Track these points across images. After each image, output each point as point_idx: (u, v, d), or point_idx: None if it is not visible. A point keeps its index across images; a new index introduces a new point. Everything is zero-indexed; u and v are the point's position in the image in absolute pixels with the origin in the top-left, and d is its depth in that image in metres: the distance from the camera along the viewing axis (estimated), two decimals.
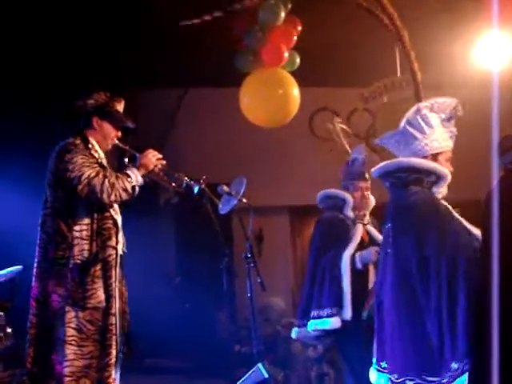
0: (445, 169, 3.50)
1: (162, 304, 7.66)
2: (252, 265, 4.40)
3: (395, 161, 3.57)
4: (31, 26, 6.46)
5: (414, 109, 3.59)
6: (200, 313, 7.98)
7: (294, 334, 4.78)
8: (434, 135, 3.53)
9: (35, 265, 3.92)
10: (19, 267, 5.35)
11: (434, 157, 3.51)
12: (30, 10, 6.31)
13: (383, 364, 3.44)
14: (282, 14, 6.65)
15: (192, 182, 4.20)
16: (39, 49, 6.54)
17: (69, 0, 6.33)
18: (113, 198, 3.85)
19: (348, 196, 4.72)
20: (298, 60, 6.96)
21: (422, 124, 3.53)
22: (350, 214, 4.74)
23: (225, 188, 4.38)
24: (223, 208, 4.41)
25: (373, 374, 3.55)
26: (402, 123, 3.56)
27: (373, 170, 3.71)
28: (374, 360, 3.55)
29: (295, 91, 6.84)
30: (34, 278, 3.91)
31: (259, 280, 4.37)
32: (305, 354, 7.25)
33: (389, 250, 3.48)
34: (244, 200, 4.39)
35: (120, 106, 4.13)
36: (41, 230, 3.93)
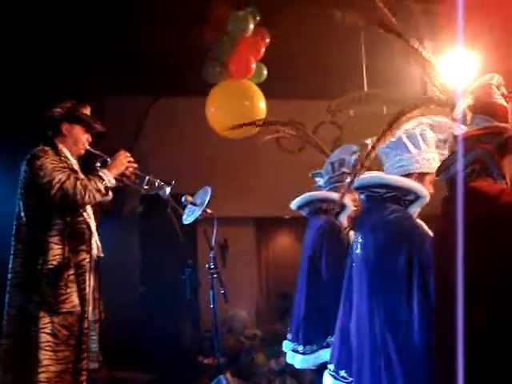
0: (426, 190, 3.36)
1: (126, 314, 7.60)
2: (215, 275, 4.37)
3: (376, 176, 3.52)
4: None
5: (415, 122, 3.49)
6: (163, 323, 7.93)
7: (299, 363, 4.29)
8: (428, 154, 3.41)
9: (10, 275, 3.92)
10: None
11: (421, 176, 3.38)
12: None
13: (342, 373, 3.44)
14: (251, 26, 6.68)
15: (163, 184, 4.22)
16: (5, 57, 6.46)
17: (40, 5, 6.28)
18: (87, 199, 3.89)
19: (349, 201, 4.41)
20: (265, 72, 7.00)
21: (419, 139, 3.40)
22: (344, 221, 4.48)
23: (189, 198, 4.35)
24: (187, 218, 4.39)
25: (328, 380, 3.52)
26: (400, 132, 3.45)
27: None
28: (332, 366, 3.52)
29: (261, 103, 6.87)
30: (8, 288, 3.91)
31: (222, 291, 4.34)
32: (267, 365, 7.26)
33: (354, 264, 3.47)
34: (208, 210, 4.37)
35: (87, 111, 4.19)
36: (15, 240, 3.95)
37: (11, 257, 3.94)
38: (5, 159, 5.99)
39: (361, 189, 3.48)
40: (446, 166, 3.00)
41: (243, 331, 8.24)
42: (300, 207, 4.66)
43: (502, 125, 2.89)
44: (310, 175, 4.89)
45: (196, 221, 4.44)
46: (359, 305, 3.36)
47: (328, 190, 4.60)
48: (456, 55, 5.16)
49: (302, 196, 4.64)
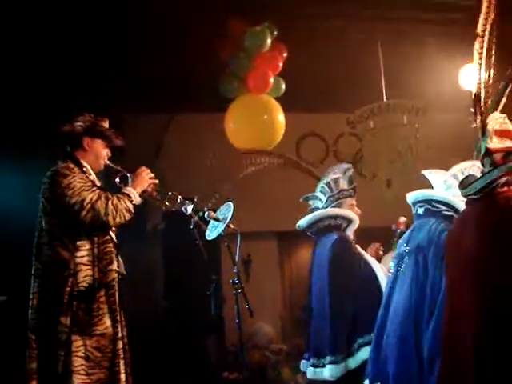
0: None
1: (150, 329, 7.60)
2: (240, 291, 4.36)
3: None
4: (17, 50, 6.44)
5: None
6: (188, 339, 7.92)
7: (327, 373, 4.36)
8: None
9: (31, 296, 3.79)
10: (3, 298, 5.27)
11: None
12: (16, 34, 6.31)
13: None
14: (268, 41, 6.71)
15: (186, 201, 4.18)
16: (24, 73, 6.52)
17: (56, 23, 6.34)
18: (118, 219, 3.80)
19: (354, 215, 4.69)
20: (283, 86, 7.01)
21: None
22: (351, 235, 4.71)
23: (212, 214, 4.35)
24: (210, 234, 4.39)
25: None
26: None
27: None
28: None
29: (280, 117, 6.88)
30: (30, 310, 3.78)
31: (247, 306, 4.33)
32: (294, 380, 7.22)
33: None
34: (231, 226, 4.37)
35: (106, 124, 4.10)
36: (36, 259, 3.82)
37: (32, 277, 3.81)
38: (23, 170, 5.98)
39: (422, 202, 3.86)
40: (468, 183, 3.25)
41: (268, 346, 8.20)
42: (308, 226, 4.75)
43: None
44: (302, 200, 4.98)
45: (219, 236, 4.43)
46: None
47: (332, 207, 4.78)
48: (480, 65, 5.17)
49: (314, 214, 4.76)
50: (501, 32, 4.12)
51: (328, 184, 4.77)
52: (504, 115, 3.38)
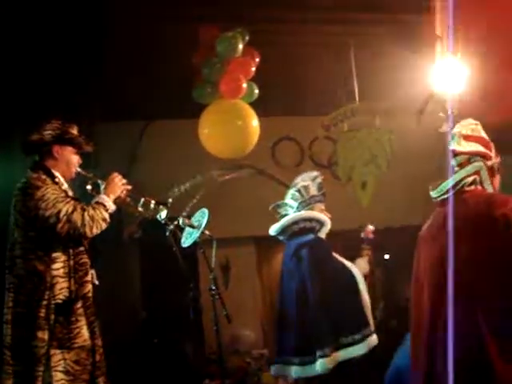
0: None
1: (128, 339, 7.55)
2: (217, 297, 4.35)
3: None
4: None
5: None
6: (168, 347, 7.87)
7: (318, 367, 4.41)
8: None
9: (5, 311, 3.73)
10: None
11: None
12: None
13: None
14: (240, 46, 6.70)
15: (160, 206, 4.13)
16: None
17: (25, 31, 6.28)
18: (94, 230, 3.76)
19: (327, 218, 4.79)
20: (256, 91, 7.00)
21: None
22: (323, 237, 4.80)
23: (186, 221, 4.34)
24: (186, 241, 4.38)
25: None
26: None
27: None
28: None
29: (254, 122, 6.87)
30: (4, 325, 3.72)
31: (225, 312, 4.32)
32: None
33: None
34: (207, 232, 4.36)
35: (75, 131, 4.01)
36: (9, 273, 3.76)
37: (5, 291, 3.75)
38: None
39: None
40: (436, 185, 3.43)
41: (250, 351, 8.17)
42: (282, 230, 4.83)
43: (490, 152, 3.38)
44: (271, 209, 5.00)
45: (195, 243, 4.42)
46: None
47: None
48: (448, 64, 5.23)
49: (288, 217, 4.81)
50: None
51: (299, 191, 4.86)
52: (477, 122, 3.49)
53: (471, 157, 3.34)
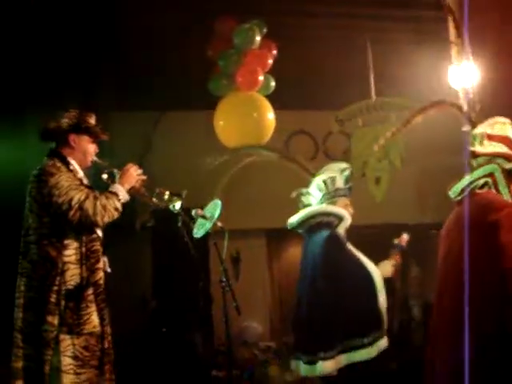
0: None
1: (138, 328, 7.58)
2: (227, 288, 4.36)
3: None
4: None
5: None
6: (177, 337, 7.90)
7: (320, 369, 4.36)
8: None
9: (17, 295, 3.78)
10: None
11: None
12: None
13: None
14: (257, 38, 6.69)
15: (174, 198, 4.15)
16: (11, 71, 6.47)
17: (46, 21, 6.31)
18: (106, 219, 3.80)
19: (346, 213, 4.68)
20: (272, 84, 6.99)
21: None
22: (342, 232, 4.67)
23: (199, 211, 4.34)
24: (198, 232, 4.38)
25: None
26: None
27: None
28: None
29: (270, 115, 6.87)
30: (16, 309, 3.77)
31: (234, 304, 4.33)
32: (282, 377, 7.22)
33: None
34: (219, 223, 4.36)
35: (93, 120, 4.06)
36: (23, 258, 3.81)
37: (18, 276, 3.80)
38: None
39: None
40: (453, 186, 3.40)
41: (257, 344, 8.20)
42: (299, 223, 4.74)
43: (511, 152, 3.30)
44: (294, 195, 4.93)
45: (207, 234, 4.42)
46: None
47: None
48: (464, 64, 5.21)
49: (306, 211, 4.72)
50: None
51: (325, 181, 4.75)
52: (506, 120, 3.43)
53: (492, 158, 3.30)
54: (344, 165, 4.91)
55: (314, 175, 5.03)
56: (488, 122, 3.44)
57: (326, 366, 4.28)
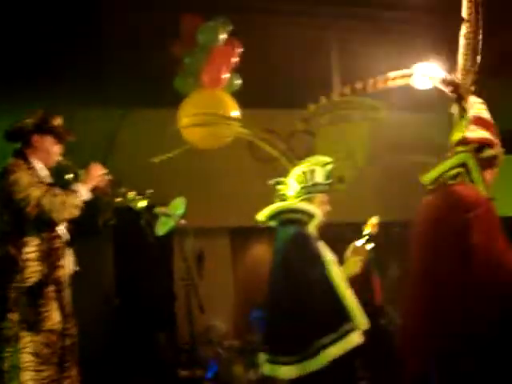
0: None
1: (101, 327, 7.53)
2: (190, 287, 4.34)
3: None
4: None
5: None
6: (140, 336, 7.86)
7: (282, 372, 4.17)
8: None
9: None
10: None
11: None
12: None
13: None
14: (222, 36, 6.67)
15: (139, 197, 4.18)
16: None
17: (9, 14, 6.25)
18: (64, 216, 3.85)
19: (317, 211, 4.50)
20: (238, 82, 6.98)
21: None
22: (313, 231, 4.50)
23: (162, 209, 4.34)
24: (161, 229, 4.36)
25: None
26: None
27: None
28: None
29: (235, 113, 6.84)
30: None
31: (198, 303, 4.32)
32: (246, 376, 7.23)
33: None
34: (182, 221, 4.35)
35: (58, 121, 4.11)
36: None
37: None
38: None
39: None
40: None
41: (221, 342, 8.19)
42: (269, 218, 4.63)
43: (495, 139, 3.24)
44: (271, 183, 4.79)
45: (171, 232, 4.41)
46: None
47: (301, 200, 4.62)
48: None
49: (273, 207, 4.61)
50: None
51: (304, 173, 4.65)
52: (481, 100, 3.29)
53: (480, 146, 3.16)
54: (326, 159, 4.80)
55: (294, 165, 4.87)
56: (470, 102, 3.33)
57: (286, 372, 4.13)
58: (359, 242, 4.69)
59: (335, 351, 4.02)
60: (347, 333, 4.06)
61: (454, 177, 3.17)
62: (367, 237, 4.74)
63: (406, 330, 3.29)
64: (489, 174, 3.24)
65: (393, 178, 7.89)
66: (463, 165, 3.16)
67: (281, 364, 4.17)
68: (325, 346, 4.04)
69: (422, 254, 3.13)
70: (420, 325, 3.10)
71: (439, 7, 5.07)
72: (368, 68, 7.00)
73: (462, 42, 3.94)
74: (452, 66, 4.12)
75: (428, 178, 3.28)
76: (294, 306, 4.20)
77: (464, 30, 3.93)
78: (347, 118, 7.06)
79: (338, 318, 4.12)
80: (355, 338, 4.07)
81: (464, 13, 3.97)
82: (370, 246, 4.69)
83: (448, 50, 4.23)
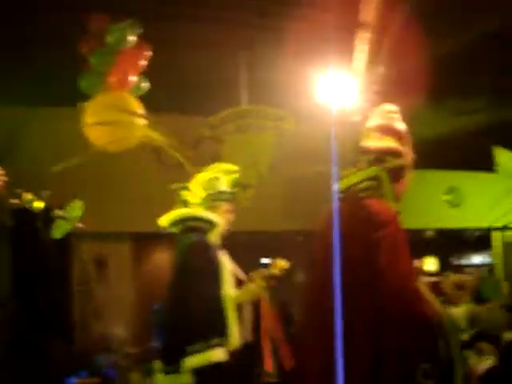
0: None
1: None
2: (87, 291, 4.24)
3: None
4: None
5: None
6: (36, 342, 7.63)
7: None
8: None
9: None
10: None
11: None
12: None
13: None
14: (131, 38, 6.59)
15: (36, 199, 4.06)
16: None
17: None
18: None
19: (218, 219, 4.45)
20: (145, 85, 6.90)
21: None
22: (214, 239, 4.46)
23: (59, 212, 4.22)
24: (57, 232, 4.24)
25: None
26: None
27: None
28: None
29: (141, 117, 6.75)
30: None
31: (94, 308, 4.22)
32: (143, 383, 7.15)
33: None
34: (79, 225, 4.24)
35: None
36: None
37: None
38: None
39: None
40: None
41: (120, 349, 8.05)
42: (171, 225, 4.58)
43: (403, 149, 3.15)
44: (175, 188, 4.71)
45: (69, 236, 4.30)
46: None
47: (205, 208, 4.58)
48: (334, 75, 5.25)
49: (175, 213, 4.55)
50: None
51: (208, 181, 4.58)
52: (395, 109, 3.22)
53: (381, 154, 3.10)
54: (231, 167, 4.72)
55: (198, 171, 4.76)
56: (378, 111, 3.25)
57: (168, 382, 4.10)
58: (263, 272, 4.54)
59: (197, 361, 4.00)
60: (214, 346, 4.04)
61: (366, 189, 3.12)
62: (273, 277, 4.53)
63: (304, 340, 3.25)
64: (399, 186, 3.18)
65: (297, 188, 7.96)
66: (375, 178, 3.11)
67: (167, 373, 4.14)
68: (189, 354, 4.01)
69: (330, 264, 3.02)
70: (319, 336, 3.06)
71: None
72: (278, 78, 7.10)
73: (361, 46, 3.89)
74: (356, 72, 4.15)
75: (340, 185, 3.20)
76: (181, 314, 4.17)
77: (364, 34, 3.90)
78: (254, 127, 7.14)
79: (212, 331, 4.11)
80: (219, 354, 4.05)
81: (364, 16, 3.94)
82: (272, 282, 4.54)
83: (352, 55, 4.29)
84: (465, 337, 6.70)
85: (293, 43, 6.79)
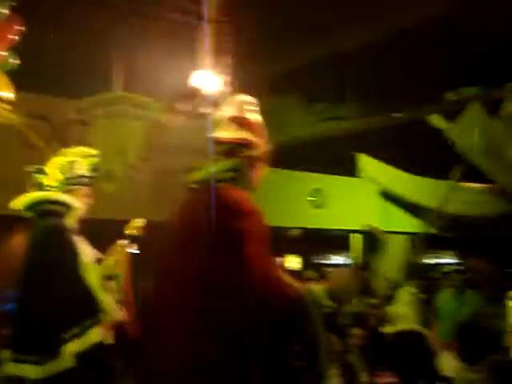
0: None
1: None
2: None
3: None
4: None
5: None
6: None
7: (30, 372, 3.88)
8: None
9: None
10: None
11: None
12: None
13: None
14: (2, 11, 6.35)
15: None
16: None
17: None
18: None
19: (76, 203, 4.29)
20: (15, 61, 6.66)
21: None
22: (71, 223, 4.29)
23: None
24: None
25: None
26: None
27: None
28: None
29: (7, 94, 6.52)
30: None
31: None
32: None
33: None
34: None
35: None
36: None
37: None
38: None
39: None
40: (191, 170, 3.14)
41: None
42: (26, 208, 4.43)
43: (257, 140, 3.09)
44: (31, 171, 4.37)
45: None
46: None
47: (63, 191, 4.46)
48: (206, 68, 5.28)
49: (30, 196, 4.39)
50: None
51: (65, 164, 4.36)
52: (252, 100, 3.20)
53: (235, 145, 3.05)
54: (90, 151, 4.52)
55: (56, 153, 4.63)
56: (234, 102, 3.17)
57: (32, 372, 3.87)
58: (121, 242, 4.57)
59: (75, 347, 3.90)
60: (88, 328, 3.96)
61: (225, 180, 3.02)
62: (130, 238, 4.61)
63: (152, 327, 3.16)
64: (252, 177, 3.14)
65: (166, 179, 7.96)
66: (234, 169, 3.05)
67: (27, 363, 4.02)
68: (65, 341, 3.89)
69: (186, 254, 2.97)
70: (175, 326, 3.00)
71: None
72: (150, 67, 7.08)
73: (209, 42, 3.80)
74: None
75: (194, 177, 3.10)
76: (43, 300, 3.99)
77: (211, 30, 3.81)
78: (123, 114, 7.05)
79: (83, 313, 4.02)
80: (96, 334, 3.98)
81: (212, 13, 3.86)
82: (132, 249, 4.57)
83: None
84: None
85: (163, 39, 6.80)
